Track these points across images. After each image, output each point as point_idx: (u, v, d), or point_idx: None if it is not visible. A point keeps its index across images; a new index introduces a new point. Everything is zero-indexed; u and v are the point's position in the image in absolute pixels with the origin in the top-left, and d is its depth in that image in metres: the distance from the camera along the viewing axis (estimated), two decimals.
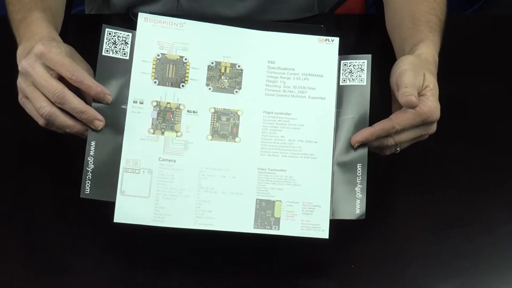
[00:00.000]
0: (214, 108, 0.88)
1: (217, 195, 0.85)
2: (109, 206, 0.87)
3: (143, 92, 0.87)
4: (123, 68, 0.88)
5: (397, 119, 0.88)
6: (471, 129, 1.02)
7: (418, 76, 0.89)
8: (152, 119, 0.87)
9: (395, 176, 0.99)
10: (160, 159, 0.86)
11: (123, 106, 0.87)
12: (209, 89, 0.89)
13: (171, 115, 0.87)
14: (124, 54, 0.88)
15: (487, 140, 1.04)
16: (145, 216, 0.84)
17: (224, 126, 0.87)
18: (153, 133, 0.87)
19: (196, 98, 0.88)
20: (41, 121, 0.89)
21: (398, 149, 0.90)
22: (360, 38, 1.23)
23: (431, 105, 0.89)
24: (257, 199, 0.85)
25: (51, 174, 0.97)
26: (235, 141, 0.87)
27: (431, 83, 0.90)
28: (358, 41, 1.22)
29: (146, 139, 0.86)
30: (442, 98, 1.04)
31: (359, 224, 0.92)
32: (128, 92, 0.87)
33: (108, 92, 0.88)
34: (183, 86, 0.88)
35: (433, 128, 0.91)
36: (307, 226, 0.85)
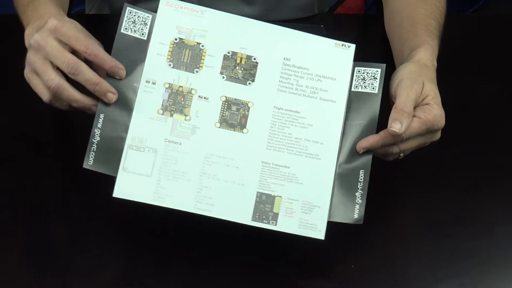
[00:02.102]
0: (226, 96, 0.88)
1: (219, 183, 0.86)
2: (109, 204, 0.87)
3: (156, 73, 0.88)
4: (139, 47, 0.89)
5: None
6: (471, 129, 1.02)
7: (416, 85, 0.89)
8: (163, 100, 0.87)
9: (395, 176, 0.99)
10: (166, 140, 0.86)
11: (135, 84, 0.88)
12: (223, 77, 0.89)
13: (182, 99, 0.88)
14: (142, 34, 0.89)
15: (487, 140, 1.04)
16: (145, 194, 0.84)
17: (234, 115, 0.88)
18: (162, 114, 0.87)
19: (209, 85, 0.89)
20: (46, 96, 0.88)
21: (401, 155, 0.90)
22: (360, 38, 1.23)
23: (436, 114, 0.89)
24: (257, 192, 0.86)
25: (51, 171, 0.97)
26: (242, 132, 0.88)
27: (431, 91, 0.90)
28: (358, 41, 1.22)
29: (155, 119, 0.87)
30: (441, 98, 1.04)
31: (359, 224, 0.92)
32: (142, 71, 0.88)
33: (122, 66, 0.88)
34: (197, 72, 0.89)
35: (437, 135, 0.91)
36: (304, 225, 0.85)
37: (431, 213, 0.95)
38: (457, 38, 1.18)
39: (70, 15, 1.31)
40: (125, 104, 0.87)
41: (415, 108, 0.88)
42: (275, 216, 0.85)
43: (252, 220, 0.85)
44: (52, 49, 0.87)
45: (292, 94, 0.89)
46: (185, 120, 0.87)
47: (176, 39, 0.89)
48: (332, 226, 0.92)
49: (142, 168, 0.85)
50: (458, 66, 1.13)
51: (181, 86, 0.88)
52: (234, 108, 0.88)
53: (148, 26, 0.89)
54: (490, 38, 1.18)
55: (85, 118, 0.94)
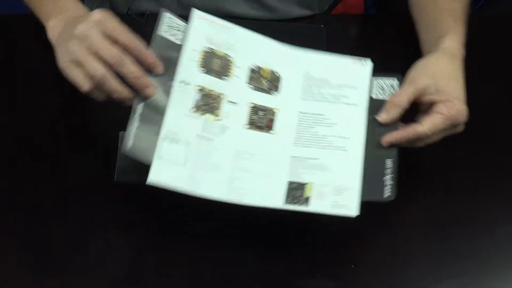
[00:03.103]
0: (253, 103, 0.93)
1: (250, 174, 0.89)
2: (110, 204, 0.87)
3: (189, 75, 0.92)
4: (174, 50, 0.93)
5: (427, 125, 0.91)
6: (471, 129, 1.01)
7: (421, 79, 0.93)
8: (196, 100, 0.91)
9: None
10: (198, 135, 0.89)
11: (169, 83, 0.91)
12: (250, 87, 0.94)
13: (213, 101, 0.91)
14: (177, 39, 0.93)
15: (487, 140, 1.04)
16: (179, 181, 0.86)
17: (261, 119, 0.92)
18: (194, 112, 0.90)
19: (237, 92, 0.93)
20: (87, 86, 0.89)
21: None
22: (361, 38, 1.23)
23: (459, 109, 0.93)
24: (289, 181, 0.88)
25: (51, 171, 0.97)
26: (269, 133, 0.92)
27: (447, 86, 0.94)
28: (358, 41, 1.22)
29: (188, 115, 0.90)
30: None
31: (359, 224, 0.92)
32: (175, 72, 0.91)
33: (161, 63, 0.91)
34: (226, 79, 0.93)
35: (461, 128, 0.95)
36: (337, 205, 0.87)
37: (431, 213, 0.95)
38: None
39: None
40: (159, 99, 0.89)
41: (436, 104, 0.92)
42: (307, 199, 0.87)
43: (285, 204, 0.87)
44: (97, 40, 0.89)
45: (315, 101, 0.94)
46: (216, 120, 0.91)
47: (207, 48, 0.94)
48: (332, 226, 0.92)
49: (176, 158, 0.87)
50: None
51: (212, 90, 0.92)
52: (261, 113, 0.92)
53: (182, 33, 0.93)
54: (490, 38, 1.18)
55: (85, 118, 0.94)
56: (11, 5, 1.06)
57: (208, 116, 0.90)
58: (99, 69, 0.88)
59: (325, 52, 0.98)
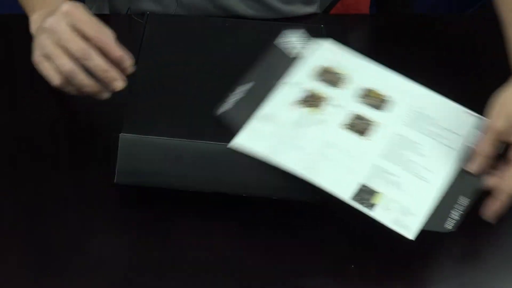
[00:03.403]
0: (357, 113, 0.95)
1: (331, 163, 0.90)
2: (110, 204, 0.87)
3: (301, 80, 0.97)
4: (289, 59, 0.99)
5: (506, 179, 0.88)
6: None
7: (506, 109, 0.91)
8: (301, 96, 0.95)
9: None
10: (292, 122, 0.93)
11: (276, 81, 0.96)
12: (358, 99, 0.97)
13: (317, 100, 0.95)
14: (296, 53, 1.00)
15: None
16: (260, 148, 0.89)
17: (359, 125, 0.94)
18: (296, 105, 0.94)
19: (343, 99, 0.96)
20: (57, 80, 0.89)
21: None
22: (361, 38, 1.23)
23: None
24: (362, 184, 0.89)
25: (51, 171, 0.97)
26: (362, 138, 0.93)
27: None
28: (358, 41, 1.22)
29: (288, 105, 0.94)
30: None
31: (359, 225, 0.92)
32: (287, 75, 0.97)
33: (129, 57, 0.90)
34: (336, 88, 0.97)
35: None
36: (398, 223, 0.87)
37: None
38: (457, 38, 1.18)
39: None
40: (261, 93, 0.95)
41: None
42: (372, 205, 0.88)
43: (352, 199, 0.88)
44: (64, 33, 0.88)
45: (416, 131, 0.95)
46: (315, 113, 0.93)
47: (325, 66, 0.99)
48: (331, 226, 0.92)
49: (265, 133, 0.91)
50: (458, 66, 1.13)
51: (319, 93, 0.96)
52: (361, 121, 0.94)
53: (301, 48, 1.00)
54: (490, 38, 1.18)
55: (85, 119, 0.94)
56: (11, 5, 1.06)
57: (308, 109, 0.94)
58: (66, 64, 0.88)
59: (437, 92, 1.00)
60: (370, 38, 1.22)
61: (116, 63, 0.90)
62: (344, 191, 0.88)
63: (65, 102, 1.02)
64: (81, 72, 0.88)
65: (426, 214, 0.88)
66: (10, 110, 1.02)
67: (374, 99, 0.97)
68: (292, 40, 1.01)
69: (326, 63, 1.00)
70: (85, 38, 0.89)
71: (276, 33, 1.05)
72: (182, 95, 0.95)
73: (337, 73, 0.99)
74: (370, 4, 1.38)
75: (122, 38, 1.18)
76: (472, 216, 0.94)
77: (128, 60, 0.89)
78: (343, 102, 0.96)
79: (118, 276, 0.87)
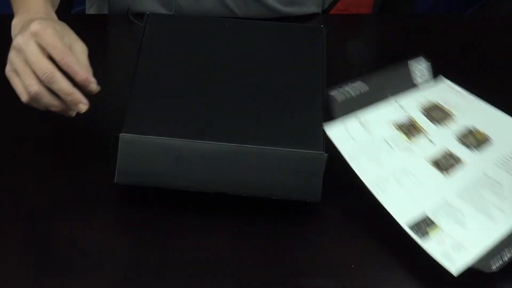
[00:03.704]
0: (449, 150, 0.96)
1: (401, 188, 0.91)
2: (110, 204, 0.87)
3: (408, 106, 1.00)
4: (410, 83, 1.02)
5: None
6: None
7: None
8: (401, 120, 0.98)
9: None
10: (382, 137, 0.96)
11: (387, 95, 1.00)
12: (455, 139, 0.98)
13: (414, 130, 0.98)
14: (418, 81, 1.03)
15: None
16: (343, 146, 0.93)
17: (446, 163, 0.94)
18: (392, 125, 0.97)
19: (440, 137, 0.98)
20: (25, 98, 0.91)
21: None
22: (361, 38, 1.23)
23: None
24: (425, 215, 0.89)
25: (51, 171, 0.97)
26: (443, 174, 0.93)
27: None
28: (358, 41, 1.22)
29: (386, 122, 0.97)
30: None
31: (359, 224, 0.92)
32: (397, 94, 1.01)
33: (94, 80, 0.91)
34: (437, 125, 0.99)
35: None
36: (446, 256, 0.87)
37: None
38: (457, 38, 1.18)
39: (70, 15, 1.31)
40: (375, 95, 0.98)
41: None
42: (426, 235, 0.88)
43: (407, 225, 0.88)
44: (31, 54, 0.89)
45: (504, 171, 0.95)
46: (406, 140, 0.96)
47: (436, 102, 1.01)
48: (331, 226, 0.92)
49: (355, 135, 0.94)
50: (458, 66, 1.13)
51: (421, 126, 0.98)
52: (450, 158, 0.95)
53: (425, 83, 1.03)
54: (490, 38, 1.18)
55: (86, 119, 0.94)
56: (11, 5, 1.06)
57: (402, 134, 0.97)
58: (33, 85, 0.89)
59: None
60: (370, 38, 1.22)
61: (81, 86, 0.91)
62: (403, 217, 0.89)
63: None
64: (47, 93, 0.90)
65: (479, 253, 0.87)
66: (10, 110, 1.02)
67: (474, 140, 0.98)
68: (420, 68, 1.02)
69: (438, 100, 1.02)
70: (52, 58, 0.90)
71: (276, 33, 1.05)
72: (182, 95, 0.95)
73: (445, 112, 1.01)
74: (374, 3, 1.37)
75: (122, 38, 1.19)
76: None
77: (92, 83, 0.91)
78: (439, 140, 0.97)
79: (118, 276, 0.87)
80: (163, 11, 1.20)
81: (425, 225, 0.88)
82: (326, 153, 0.89)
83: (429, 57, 1.06)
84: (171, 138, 0.89)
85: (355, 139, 0.94)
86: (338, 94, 0.96)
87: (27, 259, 0.88)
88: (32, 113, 1.00)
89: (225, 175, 0.90)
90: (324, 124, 0.93)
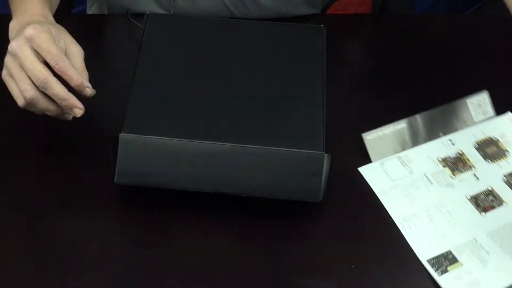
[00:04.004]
0: (492, 188, 0.95)
1: (430, 223, 0.91)
2: (110, 204, 0.87)
3: (460, 140, 0.99)
4: (463, 122, 1.01)
5: None
6: None
7: None
8: (449, 154, 0.98)
9: None
10: (423, 172, 0.96)
11: (439, 133, 1.00)
12: (503, 178, 0.96)
13: (461, 165, 0.97)
14: (476, 116, 1.02)
15: None
16: (376, 184, 0.95)
17: (486, 202, 0.93)
18: (439, 161, 0.97)
19: (487, 174, 0.96)
20: (21, 102, 0.91)
21: None
22: (361, 38, 1.23)
23: None
24: (448, 250, 0.89)
25: (51, 171, 0.97)
26: (479, 213, 0.92)
27: None
28: (358, 41, 1.22)
29: (430, 158, 0.97)
30: (442, 98, 1.04)
31: (358, 224, 0.92)
32: (450, 130, 1.00)
33: (89, 85, 0.91)
34: (488, 161, 0.98)
35: None
36: None
37: None
38: (457, 38, 1.18)
39: (70, 15, 1.31)
40: (427, 133, 0.99)
41: None
42: (445, 271, 0.87)
43: (426, 260, 0.88)
44: (25, 59, 0.89)
45: None
46: (449, 176, 0.96)
47: (493, 137, 1.00)
48: (331, 226, 0.92)
49: (393, 172, 0.96)
50: (458, 66, 1.13)
51: (470, 161, 0.98)
52: (490, 198, 0.94)
53: (483, 115, 1.02)
54: (490, 38, 1.18)
55: (86, 119, 0.94)
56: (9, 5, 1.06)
57: (446, 169, 0.96)
58: (29, 90, 0.89)
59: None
60: (369, 38, 1.22)
61: (76, 91, 0.91)
62: (424, 251, 0.89)
63: None
64: (42, 98, 0.90)
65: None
66: (10, 110, 1.02)
67: None
68: (481, 105, 1.01)
69: (495, 134, 1.00)
70: (47, 63, 0.89)
71: (276, 33, 1.05)
72: (182, 95, 0.95)
73: (500, 148, 0.99)
74: (372, 3, 1.37)
75: (122, 38, 1.19)
76: None
77: (87, 88, 0.91)
78: (486, 177, 0.96)
79: (117, 276, 0.87)
80: (162, 11, 1.20)
81: (446, 261, 0.88)
82: (326, 153, 0.89)
83: (428, 57, 1.06)
84: (171, 138, 0.89)
85: (392, 177, 0.96)
86: (375, 137, 0.97)
87: (27, 259, 0.88)
88: (32, 113, 1.00)
89: (225, 175, 0.90)
90: (361, 168, 0.95)
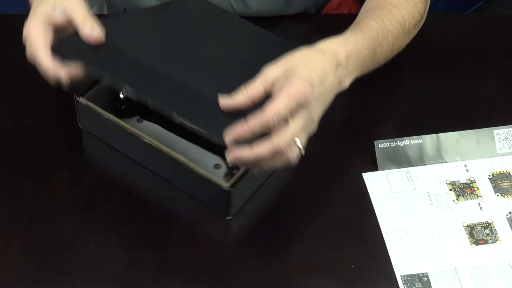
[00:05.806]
0: (492, 221, 0.92)
1: (418, 241, 0.90)
2: (110, 205, 0.87)
3: (478, 165, 0.98)
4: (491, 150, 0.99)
5: (269, 110, 0.80)
6: (471, 129, 1.01)
7: (274, 68, 0.84)
8: (458, 178, 0.96)
9: None
10: (425, 192, 0.95)
11: (458, 158, 0.98)
12: (507, 215, 0.93)
13: (468, 191, 0.95)
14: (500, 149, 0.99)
15: None
16: (375, 193, 0.94)
17: (479, 234, 0.91)
18: (445, 184, 0.96)
19: (494, 206, 0.94)
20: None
21: (300, 148, 0.83)
22: None
23: (298, 86, 0.81)
24: (424, 272, 0.88)
25: (51, 171, 0.97)
26: (470, 244, 0.90)
27: (304, 73, 0.83)
28: None
29: (440, 180, 0.96)
30: (441, 98, 1.04)
31: (358, 224, 0.92)
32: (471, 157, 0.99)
33: (93, 31, 0.89)
34: (498, 196, 0.95)
35: (311, 114, 0.83)
36: None
37: None
38: (457, 38, 1.18)
39: None
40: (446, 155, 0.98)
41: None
42: None
43: (400, 275, 0.87)
44: (28, 54, 0.89)
45: None
46: (454, 201, 0.94)
47: (509, 170, 0.97)
48: (331, 226, 0.92)
49: (396, 184, 0.95)
50: (458, 66, 1.13)
51: (478, 189, 0.96)
52: (487, 231, 0.92)
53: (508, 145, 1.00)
54: (490, 38, 1.18)
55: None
56: (11, 5, 1.06)
57: (452, 193, 0.94)
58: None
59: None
60: None
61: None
62: (400, 266, 0.88)
63: (65, 102, 1.02)
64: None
65: None
66: (10, 110, 1.02)
67: None
68: (508, 137, 0.99)
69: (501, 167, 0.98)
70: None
71: (258, 38, 1.00)
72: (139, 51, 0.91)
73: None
74: None
75: None
76: None
77: (93, 36, 0.89)
78: (489, 211, 0.94)
79: (117, 275, 0.87)
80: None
81: (419, 283, 0.86)
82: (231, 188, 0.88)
83: (428, 57, 1.06)
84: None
85: (393, 189, 0.95)
86: (387, 146, 0.96)
87: (27, 259, 0.88)
88: (33, 113, 1.01)
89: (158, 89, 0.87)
90: (366, 176, 0.95)
